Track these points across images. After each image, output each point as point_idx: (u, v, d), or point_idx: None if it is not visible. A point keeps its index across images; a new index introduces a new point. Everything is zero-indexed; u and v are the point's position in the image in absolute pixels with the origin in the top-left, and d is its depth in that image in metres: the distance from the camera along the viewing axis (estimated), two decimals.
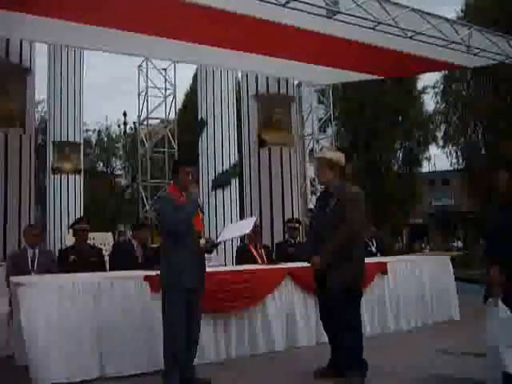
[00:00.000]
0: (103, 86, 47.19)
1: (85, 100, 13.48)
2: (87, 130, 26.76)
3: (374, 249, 7.57)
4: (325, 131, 14.52)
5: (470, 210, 23.78)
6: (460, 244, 28.61)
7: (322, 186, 4.63)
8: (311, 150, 13.01)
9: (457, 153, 21.60)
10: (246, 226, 4.98)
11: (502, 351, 3.15)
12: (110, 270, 5.79)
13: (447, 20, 6.65)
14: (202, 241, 4.27)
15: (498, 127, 18.60)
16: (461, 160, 21.68)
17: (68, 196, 12.92)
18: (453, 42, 6.69)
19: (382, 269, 6.31)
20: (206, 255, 4.39)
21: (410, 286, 6.57)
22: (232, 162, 12.57)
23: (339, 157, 4.45)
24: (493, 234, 3.45)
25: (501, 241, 3.29)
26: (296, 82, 10.52)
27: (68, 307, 4.34)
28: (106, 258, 6.27)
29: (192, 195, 4.15)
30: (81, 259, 5.71)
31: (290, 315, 5.52)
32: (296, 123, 9.72)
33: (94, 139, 29.52)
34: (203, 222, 4.60)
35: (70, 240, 7.55)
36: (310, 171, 13.35)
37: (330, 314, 4.39)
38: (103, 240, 11.28)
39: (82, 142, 13.57)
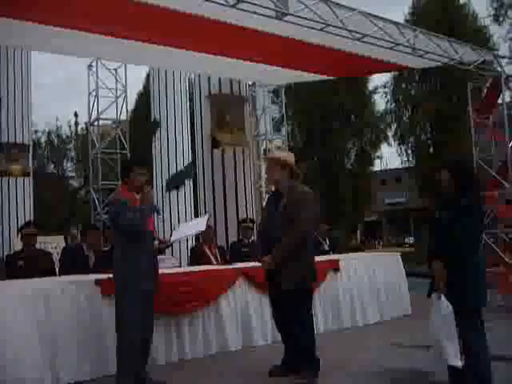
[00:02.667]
0: (53, 86, 46.05)
1: (34, 100, 13.14)
2: (36, 131, 26.02)
3: (326, 247, 7.71)
4: (278, 131, 14.63)
5: (420, 208, 24.44)
6: (412, 240, 29.39)
7: (272, 187, 4.68)
8: (265, 150, 13.09)
9: (407, 151, 22.20)
10: (199, 224, 4.99)
11: (444, 344, 3.28)
12: (60, 274, 5.67)
13: (394, 23, 6.81)
14: (156, 242, 4.27)
15: (445, 127, 19.23)
16: (411, 158, 22.29)
17: (17, 199, 12.52)
18: (399, 44, 6.86)
19: (334, 266, 6.43)
20: (159, 256, 4.39)
21: (363, 283, 6.71)
22: (186, 162, 12.53)
23: (289, 157, 4.50)
24: (435, 231, 3.57)
25: (442, 238, 3.41)
26: (249, 83, 10.56)
27: (17, 314, 4.22)
28: (57, 263, 6.14)
29: (145, 198, 4.12)
30: (29, 264, 5.57)
31: (244, 315, 5.56)
32: (249, 123, 9.75)
33: (43, 140, 28.74)
34: (158, 223, 4.58)
35: (18, 245, 7.35)
36: (264, 171, 13.42)
37: (282, 313, 4.44)
38: (55, 243, 11.04)
39: (30, 143, 13.19)
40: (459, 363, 3.23)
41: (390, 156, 46.57)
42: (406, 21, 18.80)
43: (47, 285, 4.52)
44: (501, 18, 18.62)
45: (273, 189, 4.77)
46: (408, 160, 22.33)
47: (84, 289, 4.58)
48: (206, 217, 5.23)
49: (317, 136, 21.92)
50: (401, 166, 24.44)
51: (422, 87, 20.95)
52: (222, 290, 5.38)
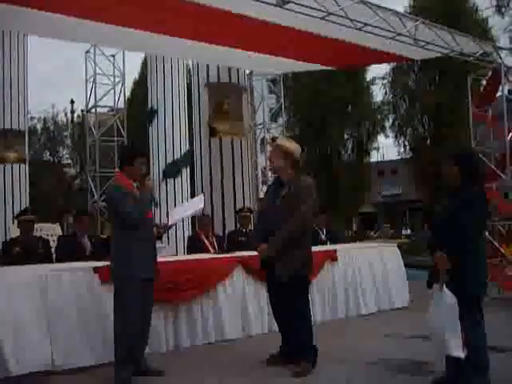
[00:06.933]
0: (49, 73, 45.73)
1: (30, 87, 13.00)
2: (32, 118, 25.84)
3: (323, 237, 7.71)
4: (276, 121, 14.61)
5: (417, 199, 24.49)
6: (409, 231, 29.46)
7: (274, 175, 4.66)
8: (262, 140, 13.08)
9: (404, 143, 22.19)
10: (197, 203, 4.98)
11: (447, 336, 3.27)
12: (57, 262, 5.65)
13: (395, 13, 6.76)
14: (154, 230, 4.27)
15: (443, 119, 19.23)
16: (408, 150, 22.29)
17: (12, 186, 12.43)
18: (400, 35, 6.81)
19: (332, 256, 6.43)
20: (157, 244, 4.38)
21: (361, 273, 6.71)
22: (183, 151, 12.48)
23: (296, 148, 4.48)
24: (440, 221, 3.56)
25: (447, 227, 3.40)
26: (247, 72, 10.50)
27: (14, 300, 4.21)
28: (54, 251, 6.11)
29: (147, 188, 4.12)
30: (26, 251, 5.55)
31: (242, 303, 5.56)
32: (247, 112, 9.71)
33: (39, 128, 28.55)
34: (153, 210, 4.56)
35: (14, 232, 7.31)
36: (261, 160, 13.42)
37: (279, 301, 4.44)
38: (51, 231, 11.01)
39: (26, 130, 13.09)
40: (461, 354, 3.24)
41: (386, 147, 46.76)
42: (409, 12, 18.69)
43: (44, 271, 4.50)
44: (503, 9, 18.55)
45: (270, 176, 4.75)
46: (405, 152, 22.34)
47: (81, 276, 4.57)
48: (202, 196, 5.22)
49: (314, 126, 21.86)
50: (398, 158, 24.45)
51: (421, 79, 20.91)
52: (220, 279, 5.38)
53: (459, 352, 3.23)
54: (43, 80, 40.09)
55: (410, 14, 17.10)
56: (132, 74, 28.56)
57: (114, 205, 4.10)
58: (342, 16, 6.15)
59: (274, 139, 4.54)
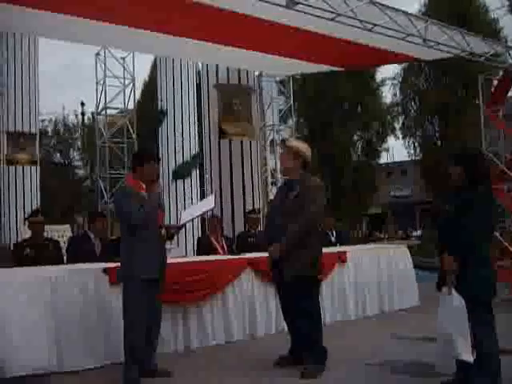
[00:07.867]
0: (59, 74, 45.98)
1: (40, 89, 13.11)
2: (43, 120, 26.03)
3: (333, 239, 7.70)
4: (285, 122, 14.60)
5: (427, 200, 24.34)
6: (419, 233, 29.31)
7: (285, 177, 4.65)
8: (272, 141, 13.07)
9: (414, 144, 22.09)
10: (208, 202, 5.00)
11: (455, 339, 3.24)
12: (67, 263, 5.68)
13: (405, 13, 6.73)
14: (163, 231, 4.27)
15: (453, 120, 19.12)
16: (418, 151, 22.18)
17: (24, 188, 12.56)
18: (410, 35, 6.78)
19: (342, 258, 6.42)
20: (166, 246, 4.39)
21: (370, 275, 6.69)
22: (192, 152, 12.52)
23: (306, 148, 4.47)
24: (445, 221, 3.54)
25: (452, 227, 3.38)
26: (256, 73, 10.50)
27: (24, 301, 4.23)
28: (64, 251, 6.14)
29: (155, 194, 4.14)
30: (37, 253, 5.57)
31: (251, 304, 5.55)
32: (256, 114, 9.72)
33: (50, 129, 28.75)
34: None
35: (25, 233, 7.37)
36: (271, 162, 13.41)
37: (288, 301, 4.43)
38: (61, 232, 11.09)
39: (37, 132, 13.20)
40: (470, 358, 3.20)
41: (395, 148, 46.72)
42: (422, 12, 18.63)
43: (54, 273, 4.51)
44: None
45: (280, 178, 4.75)
46: (415, 153, 22.23)
47: (92, 277, 4.58)
48: (213, 196, 5.27)
49: (323, 128, 21.81)
50: (407, 159, 24.35)
51: (431, 80, 20.80)
52: (228, 280, 5.37)
53: (468, 355, 3.20)
54: (52, 81, 40.31)
55: (422, 14, 17.05)
56: (142, 76, 28.66)
57: (118, 205, 4.15)
58: (351, 17, 6.13)
59: (284, 141, 4.53)
